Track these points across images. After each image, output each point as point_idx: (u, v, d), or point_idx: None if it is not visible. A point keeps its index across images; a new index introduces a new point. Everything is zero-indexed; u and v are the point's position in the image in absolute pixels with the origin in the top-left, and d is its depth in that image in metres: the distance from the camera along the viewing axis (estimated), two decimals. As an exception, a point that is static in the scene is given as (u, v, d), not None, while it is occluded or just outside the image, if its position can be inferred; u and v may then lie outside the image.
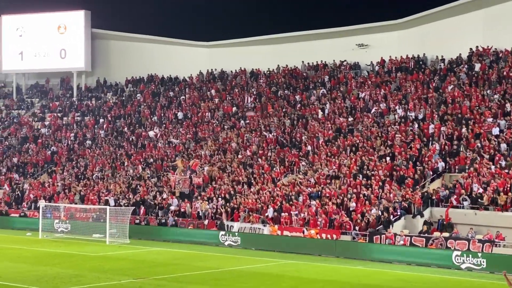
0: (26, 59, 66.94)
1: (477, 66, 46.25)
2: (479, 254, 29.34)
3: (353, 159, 40.79)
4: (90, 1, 66.71)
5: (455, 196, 35.14)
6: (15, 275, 27.14)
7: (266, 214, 38.48)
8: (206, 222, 40.39)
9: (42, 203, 45.04)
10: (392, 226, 34.25)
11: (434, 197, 35.76)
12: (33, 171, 55.76)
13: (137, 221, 42.35)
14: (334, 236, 35.06)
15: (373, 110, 46.36)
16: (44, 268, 29.18)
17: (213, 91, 57.98)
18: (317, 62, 55.35)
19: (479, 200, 34.29)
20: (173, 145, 52.04)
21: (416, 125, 42.34)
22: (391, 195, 36.23)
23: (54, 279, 26.37)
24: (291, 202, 38.64)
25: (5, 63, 67.86)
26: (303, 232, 35.91)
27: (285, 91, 53.51)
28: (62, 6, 65.68)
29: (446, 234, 32.79)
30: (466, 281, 27.14)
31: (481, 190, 34.75)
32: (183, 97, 59.22)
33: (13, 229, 45.75)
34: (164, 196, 44.36)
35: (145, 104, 60.41)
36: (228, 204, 40.80)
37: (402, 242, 32.57)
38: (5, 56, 67.64)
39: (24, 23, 67.03)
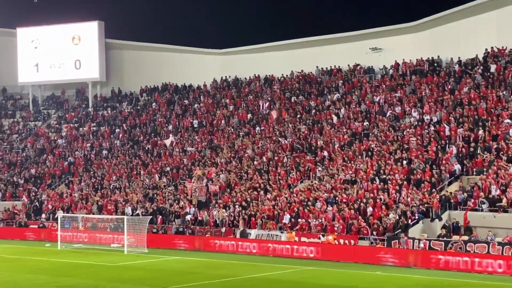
0: (42, 71, 67.44)
1: (493, 67, 45.96)
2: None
3: (369, 164, 40.65)
4: (103, 12, 67.21)
5: (473, 200, 34.88)
6: (35, 287, 27.28)
7: (284, 221, 38.42)
8: (223, 230, 40.40)
9: (60, 214, 45.26)
10: (409, 231, 34.04)
11: (452, 200, 35.53)
12: (51, 182, 56.08)
13: (154, 230, 42.42)
14: (352, 241, 34.92)
15: (388, 114, 46.19)
16: (64, 279, 29.31)
17: (227, 99, 58.06)
18: (331, 67, 55.28)
19: (498, 202, 34.01)
20: (189, 153, 52.16)
21: (432, 128, 42.14)
22: (409, 199, 36.04)
23: (74, 290, 26.47)
24: (308, 208, 38.55)
25: (21, 75, 68.39)
26: (320, 238, 35.80)
27: (300, 97, 53.47)
28: (76, 18, 66.14)
29: (465, 238, 32.56)
30: (486, 284, 26.91)
31: (499, 192, 34.48)
32: (198, 105, 59.37)
33: (32, 240, 46.04)
34: (181, 204, 44.44)
35: (160, 112, 60.61)
36: (245, 211, 40.79)
37: (422, 246, 32.35)
38: (21, 68, 68.18)
39: (39, 35, 67.55)
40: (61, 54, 66.43)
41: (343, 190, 39.02)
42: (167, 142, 54.85)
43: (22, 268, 32.99)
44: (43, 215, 49.92)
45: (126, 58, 66.91)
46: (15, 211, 51.53)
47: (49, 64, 67.08)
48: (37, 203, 52.23)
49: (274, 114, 51.05)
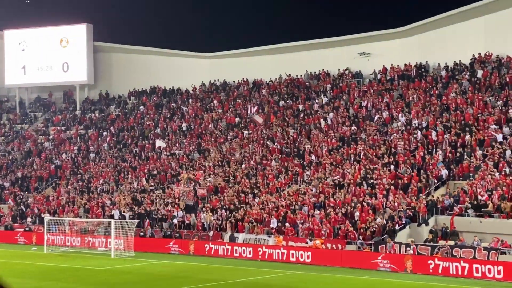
0: (29, 73, 67.15)
1: (479, 73, 46.26)
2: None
3: (357, 168, 40.76)
4: (92, 15, 67.04)
5: (459, 205, 35.05)
6: (20, 291, 27.11)
7: (271, 225, 38.42)
8: (211, 233, 40.37)
9: (46, 217, 45.06)
10: (397, 235, 34.17)
11: (438, 205, 35.68)
12: (37, 185, 55.82)
13: (141, 234, 42.32)
14: (340, 246, 34.99)
15: (375, 119, 46.37)
16: (50, 283, 29.17)
17: (215, 102, 58.07)
18: (319, 71, 55.41)
19: (484, 207, 34.20)
20: (177, 156, 52.08)
21: (419, 133, 42.33)
22: (396, 204, 36.17)
23: (60, 294, 26.34)
24: (295, 213, 38.57)
25: (8, 78, 68.07)
26: (307, 242, 35.84)
27: (288, 101, 53.56)
28: (64, 20, 65.91)
29: (452, 243, 32.70)
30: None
31: (485, 197, 34.67)
32: (186, 108, 59.31)
33: (18, 244, 45.78)
34: (169, 208, 44.36)
35: (148, 116, 60.51)
36: (232, 215, 40.77)
37: (411, 252, 32.43)
38: (8, 70, 67.85)
39: (27, 38, 67.27)
40: (49, 57, 66.18)
41: (330, 194, 39.11)
42: (158, 143, 54.76)
43: (8, 272, 32.76)
44: (29, 219, 49.67)
45: (114, 61, 66.75)
46: (1, 214, 51.23)
47: (37, 66, 66.81)
48: (23, 206, 51.96)
49: (258, 119, 51.02)
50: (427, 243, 33.09)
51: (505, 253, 31.05)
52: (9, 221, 50.08)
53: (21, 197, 53.80)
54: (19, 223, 49.74)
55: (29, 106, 69.96)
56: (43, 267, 35.09)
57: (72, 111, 66.75)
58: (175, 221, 42.63)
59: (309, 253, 34.56)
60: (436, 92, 46.44)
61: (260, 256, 36.09)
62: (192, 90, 61.48)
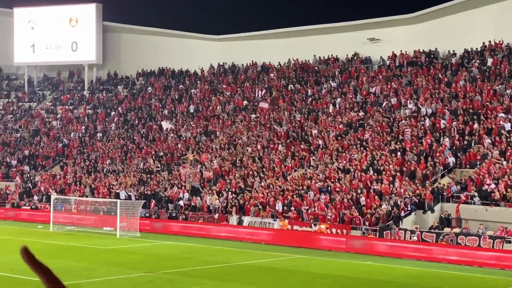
0: (38, 52, 67.18)
1: (489, 61, 46.01)
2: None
3: (364, 154, 40.72)
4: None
5: (465, 193, 35.02)
6: (26, 268, 27.14)
7: (276, 208, 38.51)
8: (216, 216, 40.49)
9: (53, 196, 45.26)
10: (402, 222, 34.20)
11: (445, 193, 35.65)
12: (44, 164, 56.03)
13: (147, 214, 42.47)
14: (344, 231, 35.05)
15: (384, 105, 46.25)
16: (55, 261, 29.29)
17: (224, 85, 58.00)
18: (328, 56, 55.22)
19: (490, 196, 34.14)
20: (184, 138, 52.14)
21: (427, 120, 42.20)
22: (402, 190, 36.15)
23: (65, 272, 26.49)
24: (302, 197, 38.61)
25: (17, 56, 68.13)
26: (311, 227, 35.91)
27: (296, 85, 53.45)
28: (73, -1, 65.89)
29: (457, 230, 32.71)
30: (477, 277, 27.08)
31: (492, 186, 34.61)
32: (194, 90, 59.27)
33: (24, 221, 46.05)
34: (175, 189, 44.48)
35: (156, 97, 60.51)
36: (238, 198, 40.85)
37: (415, 238, 32.46)
38: (17, 48, 67.90)
39: (36, 16, 67.25)
40: (58, 36, 66.15)
41: (336, 179, 39.11)
42: (165, 124, 54.82)
43: (14, 249, 32.94)
44: (35, 197, 49.91)
45: (123, 42, 66.67)
46: (8, 192, 51.51)
47: (46, 45, 66.81)
48: (30, 185, 52.20)
49: (264, 105, 50.99)
50: (432, 230, 33.10)
51: (510, 241, 31.03)
52: (16, 199, 50.34)
53: (28, 175, 54.03)
54: (26, 201, 49.99)
55: (38, 85, 70.05)
56: (48, 245, 35.29)
57: (80, 90, 66.80)
58: (181, 202, 42.76)
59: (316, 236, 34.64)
60: (445, 79, 46.24)
61: (262, 240, 36.21)
62: (201, 72, 61.40)
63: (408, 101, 45.19)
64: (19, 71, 71.01)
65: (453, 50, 48.78)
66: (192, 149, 49.52)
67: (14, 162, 56.88)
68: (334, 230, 35.32)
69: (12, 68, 70.85)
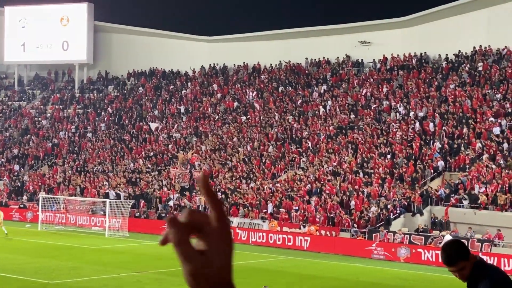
0: (29, 51, 66.88)
1: (480, 66, 46.20)
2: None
3: (354, 156, 40.78)
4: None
5: (454, 196, 35.13)
6: (14, 267, 27.18)
7: (265, 210, 38.48)
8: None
9: (41, 195, 45.06)
10: (391, 224, 34.26)
11: (434, 196, 35.75)
12: (33, 163, 55.78)
13: (136, 214, 42.36)
14: (334, 233, 35.06)
15: (374, 108, 46.34)
16: (43, 260, 29.21)
17: (215, 86, 57.96)
18: (319, 58, 55.27)
19: (479, 199, 34.26)
20: (174, 139, 52.05)
21: (417, 124, 42.32)
22: (391, 193, 36.22)
23: (53, 271, 26.41)
24: (292, 199, 38.62)
25: (7, 54, 67.80)
26: (300, 228, 35.90)
27: (287, 87, 53.48)
28: (65, -2, 65.65)
29: (445, 233, 32.79)
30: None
31: (481, 190, 34.73)
32: (185, 91, 59.20)
33: (12, 220, 45.79)
34: (165, 190, 44.38)
35: (146, 97, 60.39)
36: (227, 199, 40.81)
37: (398, 240, 32.55)
38: (7, 47, 67.57)
39: (27, 15, 66.97)
40: (49, 35, 65.89)
41: (326, 181, 39.14)
42: (153, 125, 54.75)
43: (2, 248, 32.82)
44: (24, 196, 49.67)
45: (114, 42, 66.50)
46: (-3, 191, 51.25)
47: (36, 44, 66.53)
48: (18, 184, 51.96)
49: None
50: (420, 233, 33.18)
51: (498, 245, 31.15)
52: (5, 198, 50.08)
53: (16, 174, 53.77)
54: (14, 200, 49.76)
55: (28, 84, 69.76)
56: (36, 244, 35.13)
57: (71, 90, 66.58)
58: (170, 203, 42.66)
59: (307, 238, 34.63)
60: (436, 83, 46.39)
61: (251, 241, 36.17)
62: (192, 73, 61.34)
63: (399, 104, 45.31)
64: (9, 69, 70.66)
65: (445, 54, 48.93)
66: (182, 150, 49.39)
67: (2, 161, 56.59)
68: (323, 232, 35.32)
69: (2, 67, 70.49)
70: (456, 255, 4.56)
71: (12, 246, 33.74)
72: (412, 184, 36.74)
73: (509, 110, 40.72)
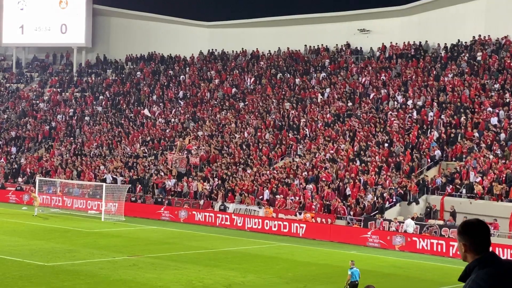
0: (27, 33, 66.65)
1: (479, 55, 46.14)
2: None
3: (351, 144, 40.79)
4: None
5: (451, 185, 35.17)
6: (10, 248, 27.24)
7: (261, 197, 38.53)
8: (201, 202, 40.47)
9: (38, 178, 45.06)
10: (384, 213, 34.31)
11: (430, 185, 35.80)
12: (31, 146, 55.73)
13: (133, 199, 42.40)
14: (329, 220, 35.15)
15: (372, 96, 46.31)
16: (39, 243, 29.26)
17: (213, 72, 57.86)
18: (318, 46, 55.16)
19: (475, 189, 34.31)
20: (172, 124, 52.00)
21: (415, 113, 42.31)
22: (387, 182, 36.27)
23: (49, 253, 26.47)
24: (289, 186, 38.65)
25: (5, 36, 67.57)
26: (296, 215, 35.97)
27: (286, 74, 53.40)
28: (64, -19, 65.27)
29: (441, 222, 32.89)
30: (459, 269, 27.20)
31: (477, 179, 34.78)
32: (183, 76, 59.09)
33: (9, 202, 45.86)
34: (161, 174, 44.39)
35: (144, 82, 60.28)
36: (224, 185, 40.84)
37: (393, 229, 32.63)
38: (5, 29, 67.33)
39: (26, -3, 66.67)
40: (48, 17, 65.65)
41: (323, 169, 39.18)
42: (147, 112, 54.77)
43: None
44: (20, 178, 49.68)
45: (113, 25, 66.28)
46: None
47: (35, 26, 66.28)
48: (15, 166, 51.94)
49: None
50: (416, 222, 33.22)
51: (493, 235, 31.23)
52: (1, 180, 50.08)
53: (13, 156, 53.75)
54: (11, 182, 49.76)
55: (26, 66, 69.57)
56: (33, 227, 35.19)
57: (69, 73, 66.42)
58: (167, 187, 42.68)
59: (302, 225, 34.72)
60: (434, 72, 46.35)
61: (247, 227, 36.25)
62: (190, 58, 61.20)
63: (397, 93, 45.28)
64: (7, 52, 70.47)
65: (444, 44, 48.86)
66: (180, 135, 49.37)
67: (0, 143, 56.54)
68: (319, 220, 35.41)
69: (0, 49, 70.29)
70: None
71: (8, 228, 33.78)
72: (408, 173, 36.77)
73: (508, 100, 40.71)
